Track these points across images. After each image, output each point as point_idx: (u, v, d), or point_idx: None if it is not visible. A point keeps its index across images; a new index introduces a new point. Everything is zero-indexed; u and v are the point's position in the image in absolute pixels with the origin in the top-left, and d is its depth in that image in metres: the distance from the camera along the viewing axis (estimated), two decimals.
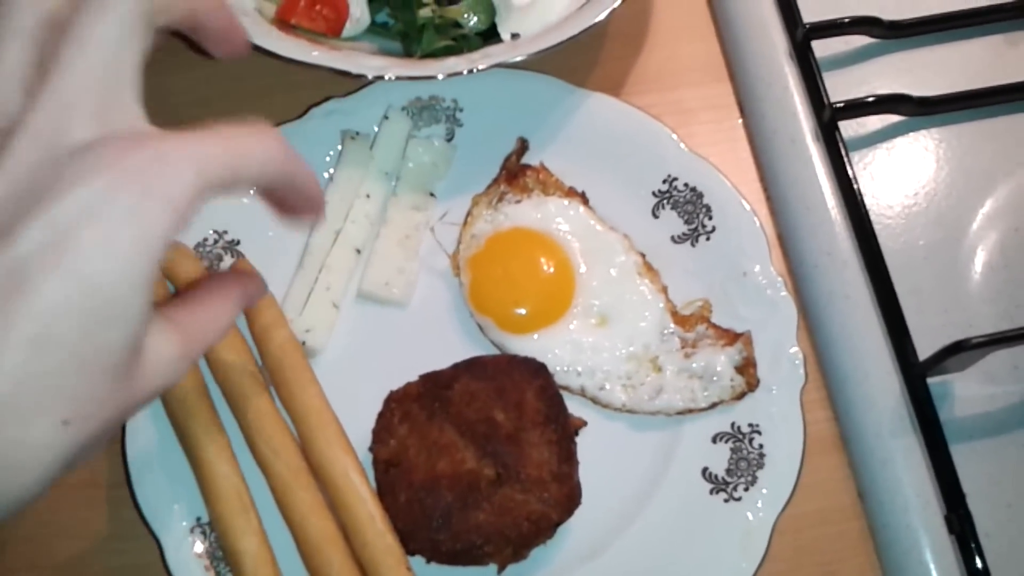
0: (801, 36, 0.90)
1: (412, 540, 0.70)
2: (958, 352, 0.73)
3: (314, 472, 0.72)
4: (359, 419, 0.74)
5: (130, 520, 0.74)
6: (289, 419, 0.74)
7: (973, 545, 0.71)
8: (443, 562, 0.71)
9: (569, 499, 0.71)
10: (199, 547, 0.72)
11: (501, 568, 0.72)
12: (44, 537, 0.77)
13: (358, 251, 0.83)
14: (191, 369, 0.74)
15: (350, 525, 0.70)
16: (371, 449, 0.73)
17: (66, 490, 0.78)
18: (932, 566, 0.72)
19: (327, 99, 0.86)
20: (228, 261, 0.82)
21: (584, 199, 0.85)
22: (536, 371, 0.75)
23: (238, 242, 0.82)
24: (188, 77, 0.93)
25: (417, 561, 0.71)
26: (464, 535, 0.69)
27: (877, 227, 0.83)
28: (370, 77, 0.79)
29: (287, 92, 0.88)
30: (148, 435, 0.75)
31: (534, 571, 0.73)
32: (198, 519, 0.73)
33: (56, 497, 0.78)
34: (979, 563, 0.71)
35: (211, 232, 0.82)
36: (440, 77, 0.79)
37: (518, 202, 0.84)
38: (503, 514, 0.70)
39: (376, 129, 0.86)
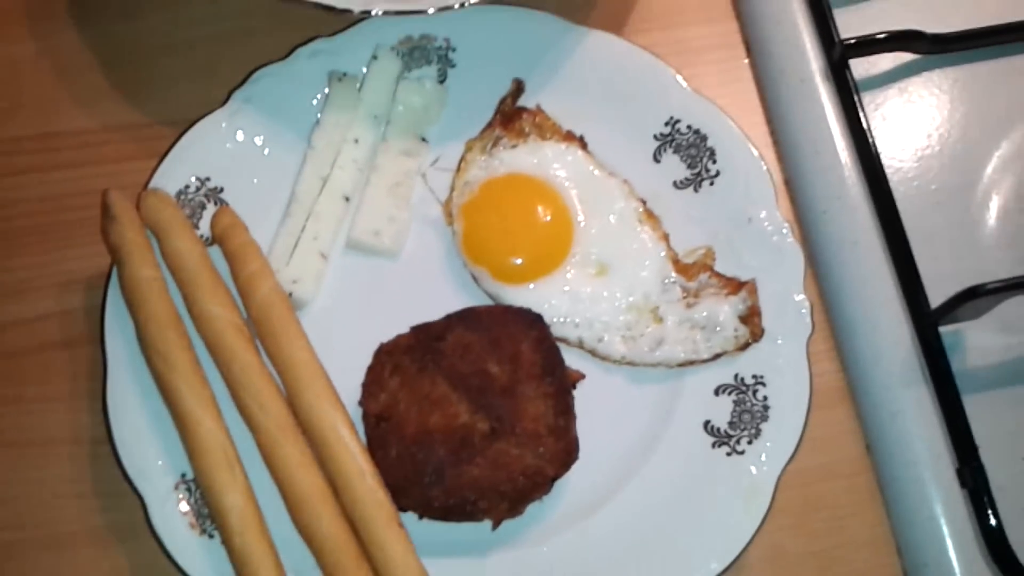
0: None
1: (404, 496, 0.68)
2: (973, 298, 0.70)
3: (302, 427, 0.70)
4: (348, 372, 0.71)
5: (113, 477, 0.72)
6: (275, 373, 0.72)
7: (986, 499, 0.69)
8: (436, 518, 0.69)
9: (566, 453, 0.69)
10: (184, 505, 0.70)
11: (496, 524, 0.70)
12: (24, 496, 0.75)
13: (347, 199, 0.80)
14: (172, 321, 0.72)
15: (339, 481, 0.67)
16: (361, 403, 0.71)
17: (47, 447, 0.76)
18: (943, 520, 0.70)
19: (313, 39, 0.82)
20: (211, 209, 0.78)
21: (582, 143, 0.81)
22: (532, 322, 0.72)
23: (221, 189, 0.79)
24: (168, 19, 0.90)
25: (409, 517, 0.69)
26: (457, 490, 0.67)
27: (889, 171, 0.79)
28: (356, 12, 0.75)
29: (271, 33, 0.84)
30: (130, 390, 0.72)
31: (529, 527, 0.71)
32: (183, 475, 0.70)
33: (36, 455, 0.76)
34: (992, 518, 0.69)
35: (193, 179, 0.78)
36: (430, 11, 0.75)
37: (514, 147, 0.81)
38: (497, 469, 0.67)
39: (364, 70, 0.82)
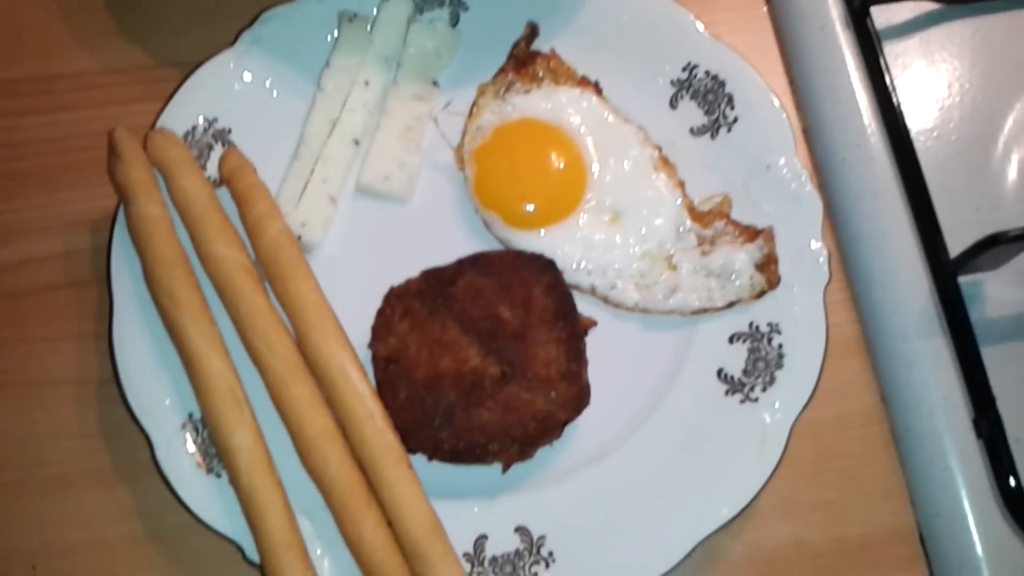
0: None
1: (413, 438, 0.67)
2: (993, 247, 0.69)
3: (310, 369, 0.69)
4: (358, 316, 0.70)
5: (119, 418, 0.71)
6: (284, 314, 0.71)
7: (1002, 449, 0.68)
8: (445, 460, 0.68)
9: (577, 398, 0.68)
10: (190, 444, 0.69)
11: (506, 467, 0.69)
12: (31, 437, 0.74)
13: (356, 142, 0.78)
14: (179, 260, 0.70)
15: (348, 422, 0.67)
16: (370, 346, 0.70)
17: (53, 387, 0.75)
18: (957, 471, 0.69)
19: None
20: (218, 151, 0.77)
21: (597, 89, 0.80)
22: (545, 267, 0.72)
23: (229, 131, 0.78)
24: None
25: (418, 459, 0.68)
26: (467, 433, 0.66)
27: (909, 121, 0.78)
28: None
29: None
30: (136, 329, 0.71)
31: (540, 471, 0.70)
32: (190, 415, 0.70)
33: (43, 395, 0.75)
34: (1008, 468, 0.68)
35: (201, 120, 0.77)
36: None
37: (527, 92, 0.80)
38: (508, 412, 0.67)
39: (375, 12, 0.81)
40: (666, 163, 0.78)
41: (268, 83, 0.79)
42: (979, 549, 0.68)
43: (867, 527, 0.72)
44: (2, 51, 0.85)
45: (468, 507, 0.69)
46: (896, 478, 0.73)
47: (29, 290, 0.78)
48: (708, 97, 0.78)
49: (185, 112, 0.77)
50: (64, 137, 0.83)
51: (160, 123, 0.77)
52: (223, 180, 0.76)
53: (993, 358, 0.71)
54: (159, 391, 0.70)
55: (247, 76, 0.79)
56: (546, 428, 0.67)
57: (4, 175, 0.82)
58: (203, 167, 0.76)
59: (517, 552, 0.68)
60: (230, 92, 0.78)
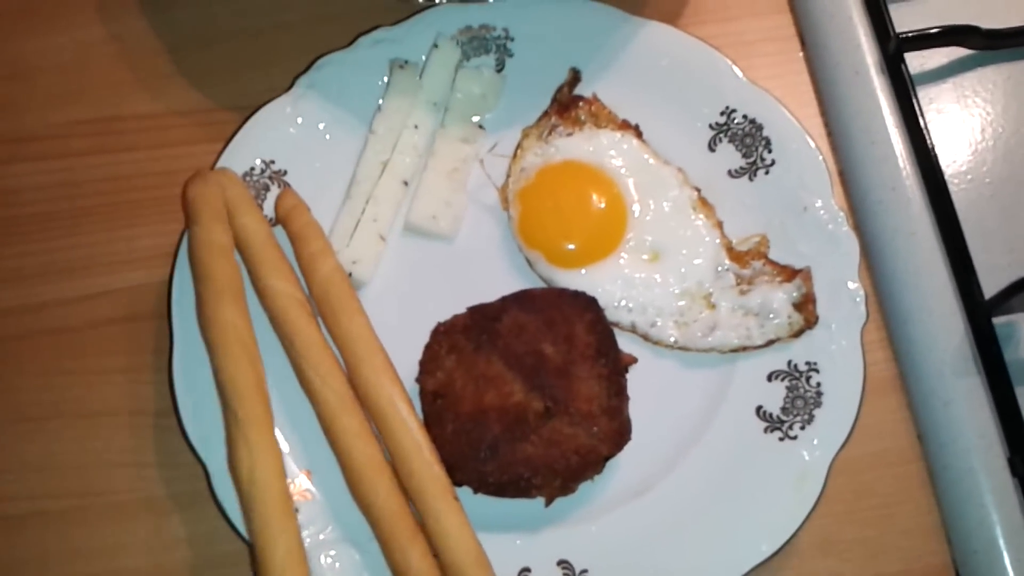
0: None
1: (459, 471, 0.69)
2: None
3: (361, 401, 0.71)
4: (406, 351, 0.73)
5: (172, 448, 0.74)
6: (335, 348, 0.73)
7: None
8: (490, 493, 0.70)
9: (619, 434, 0.70)
10: None
11: (549, 501, 0.71)
12: (92, 466, 0.77)
13: (405, 183, 0.81)
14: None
15: (397, 454, 0.69)
16: (418, 380, 0.72)
17: (114, 419, 0.78)
18: (992, 509, 0.70)
19: (375, 28, 0.84)
20: (275, 191, 0.80)
21: (638, 132, 0.82)
22: (587, 305, 0.74)
23: (285, 172, 0.81)
24: (233, 7, 0.92)
25: (464, 492, 0.70)
26: (512, 467, 0.68)
27: (943, 163, 0.80)
28: (420, 0, 0.76)
29: (335, 21, 0.86)
30: (195, 360, 0.74)
31: (582, 505, 0.72)
32: None
33: (104, 426, 0.78)
34: None
35: (258, 162, 0.81)
36: (491, 0, 0.76)
37: (569, 135, 0.82)
38: (551, 447, 0.68)
39: (425, 59, 0.84)
40: (705, 204, 0.80)
41: (322, 126, 0.82)
42: None
43: (904, 564, 0.73)
44: (68, 94, 0.89)
45: (512, 540, 0.71)
46: (933, 515, 0.74)
47: (89, 324, 0.81)
48: (746, 140, 0.80)
49: (244, 154, 0.80)
50: (126, 176, 0.86)
51: (220, 164, 0.80)
52: (279, 219, 0.79)
53: None
54: (216, 421, 0.72)
55: (302, 120, 0.82)
56: (588, 462, 0.69)
57: (67, 213, 0.85)
58: (260, 206, 0.79)
59: None
60: (286, 135, 0.81)
